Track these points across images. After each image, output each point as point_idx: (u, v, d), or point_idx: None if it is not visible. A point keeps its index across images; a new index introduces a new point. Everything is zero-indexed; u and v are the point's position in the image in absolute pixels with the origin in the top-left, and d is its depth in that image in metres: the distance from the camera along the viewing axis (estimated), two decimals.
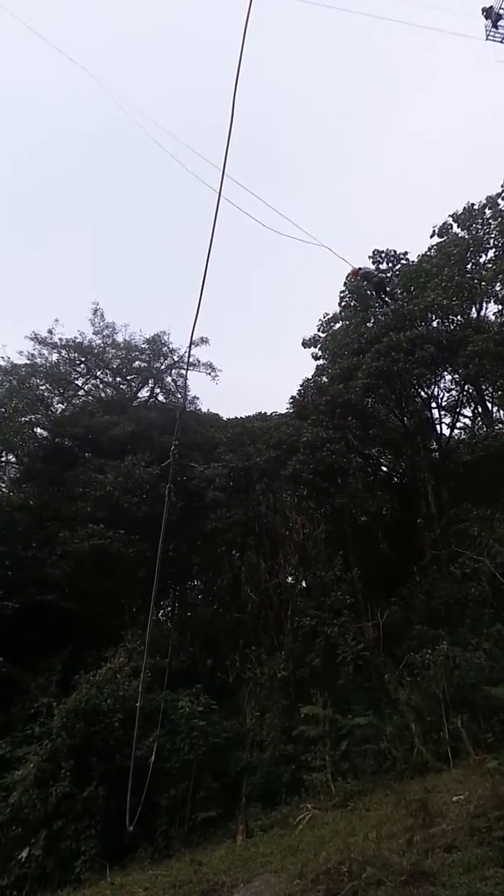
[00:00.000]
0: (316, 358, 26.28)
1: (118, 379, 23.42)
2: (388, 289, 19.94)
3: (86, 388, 23.18)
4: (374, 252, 25.62)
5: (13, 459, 20.98)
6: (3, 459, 20.97)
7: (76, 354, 21.94)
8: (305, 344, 26.34)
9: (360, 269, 17.42)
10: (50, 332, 21.30)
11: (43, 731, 12.44)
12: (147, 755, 11.24)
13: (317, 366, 25.71)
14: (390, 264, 25.67)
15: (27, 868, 10.27)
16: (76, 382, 22.84)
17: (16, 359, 21.11)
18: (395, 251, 25.43)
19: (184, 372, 23.08)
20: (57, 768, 11.46)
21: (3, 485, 20.18)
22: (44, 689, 14.21)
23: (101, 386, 23.45)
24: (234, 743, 13.00)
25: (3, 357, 21.03)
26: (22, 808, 11.01)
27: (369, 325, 23.61)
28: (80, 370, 22.64)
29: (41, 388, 20.87)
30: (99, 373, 23.10)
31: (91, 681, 12.79)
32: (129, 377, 23.29)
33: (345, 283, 21.17)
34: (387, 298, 19.50)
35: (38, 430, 20.76)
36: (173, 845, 10.81)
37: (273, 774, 12.21)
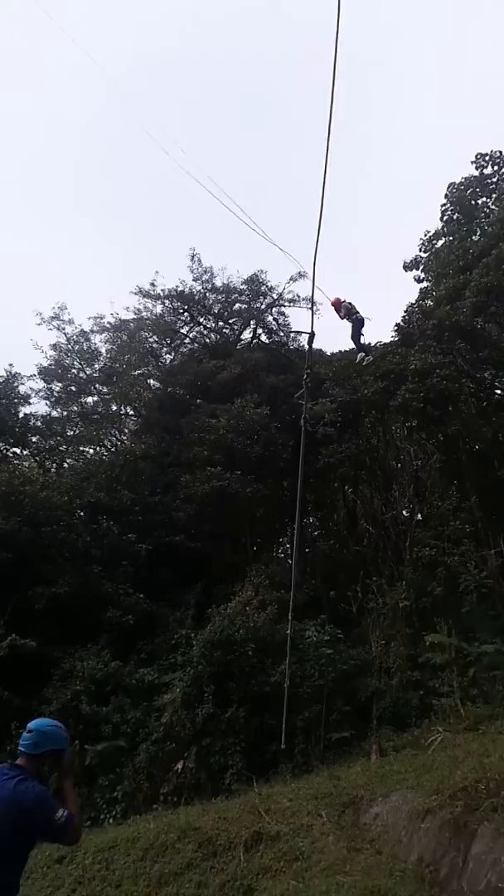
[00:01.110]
0: (419, 281, 25.07)
1: (220, 323, 23.70)
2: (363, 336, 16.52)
3: (191, 336, 23.70)
4: (476, 156, 23.59)
5: (131, 412, 22.20)
6: (122, 413, 22.23)
7: (179, 303, 22.37)
8: (407, 267, 25.15)
9: (342, 300, 15.05)
10: (152, 284, 21.83)
11: (184, 660, 13.67)
12: (281, 681, 12.07)
13: (420, 289, 24.56)
14: (496, 167, 23.58)
15: (183, 778, 11.58)
16: (181, 332, 23.40)
17: (124, 315, 21.95)
18: (501, 152, 23.28)
19: (284, 310, 22.90)
20: (200, 692, 12.59)
21: (125, 437, 21.43)
22: (181, 623, 15.49)
23: (204, 332, 23.87)
24: (361, 670, 13.53)
25: (113, 314, 21.96)
26: (173, 726, 12.30)
27: (475, 238, 22.04)
28: (183, 319, 23.12)
29: (150, 340, 21.66)
30: (202, 319, 23.46)
31: (223, 614, 13.79)
32: (230, 321, 23.49)
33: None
34: (367, 359, 16.46)
35: (151, 382, 21.71)
36: (311, 762, 11.65)
37: (402, 700, 12.66)
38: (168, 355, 23.22)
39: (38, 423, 22.52)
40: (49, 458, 21.74)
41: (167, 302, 22.37)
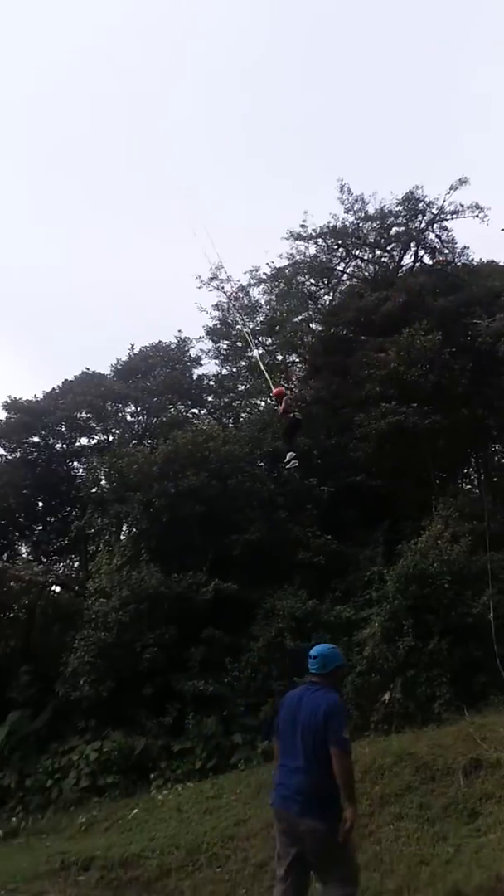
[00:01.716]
0: None
1: (378, 253, 22.57)
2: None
3: (348, 272, 22.92)
4: None
5: (297, 359, 22.29)
6: (288, 361, 22.43)
7: (332, 240, 21.63)
8: None
9: (285, 393, 14.68)
10: (302, 225, 21.30)
11: (379, 595, 13.74)
12: (483, 612, 11.66)
13: None
14: None
15: (391, 708, 11.77)
16: (337, 269, 22.70)
17: (279, 262, 21.81)
18: None
19: (447, 224, 21.08)
20: (399, 626, 12.59)
21: (294, 384, 21.61)
22: (371, 560, 15.54)
23: (362, 265, 22.93)
24: None
25: (269, 264, 21.91)
26: (375, 659, 12.47)
27: None
28: (339, 255, 22.37)
29: (307, 284, 21.37)
30: (357, 252, 22.52)
31: (414, 549, 13.56)
32: (388, 248, 22.25)
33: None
34: (292, 463, 14.56)
35: (313, 326, 21.51)
36: None
37: None
38: (327, 296, 22.74)
39: (211, 383, 23.62)
40: (225, 415, 22.73)
41: (320, 241, 21.73)
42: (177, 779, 12.39)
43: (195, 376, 23.38)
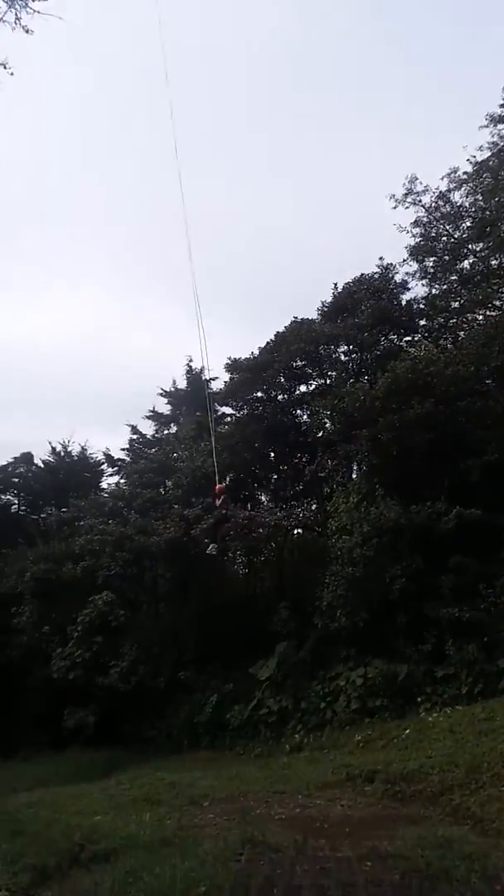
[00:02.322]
0: None
1: None
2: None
3: None
4: None
5: None
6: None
7: None
8: None
9: (225, 493, 14.86)
10: (502, 105, 18.63)
11: None
12: None
13: None
14: None
15: None
16: None
17: (480, 156, 19.47)
18: None
19: None
20: None
21: None
22: None
23: None
24: None
25: (469, 160, 19.61)
26: None
27: None
28: None
29: None
30: None
31: None
32: None
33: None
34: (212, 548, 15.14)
35: None
36: None
37: None
38: None
39: (422, 306, 22.34)
40: (442, 336, 21.41)
41: None
42: (444, 702, 12.62)
43: (404, 302, 22.29)
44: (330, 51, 76.85)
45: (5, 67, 9.58)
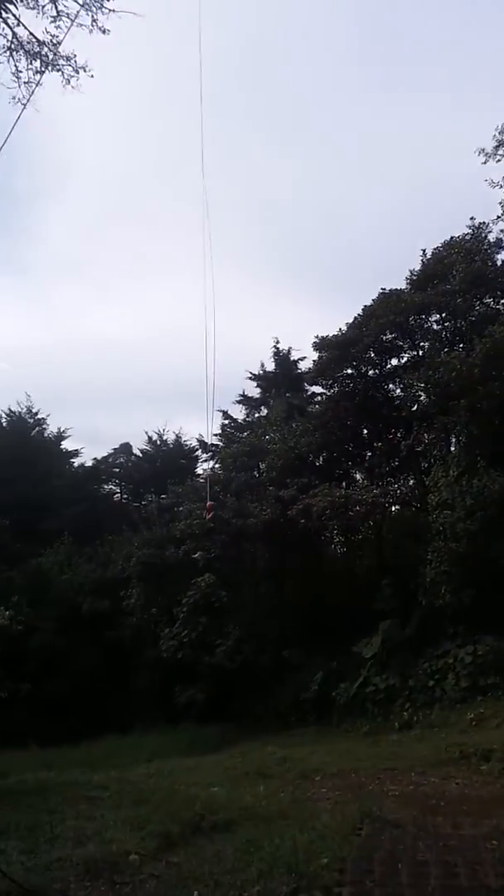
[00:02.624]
0: None
1: None
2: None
3: None
4: None
5: None
6: None
7: None
8: None
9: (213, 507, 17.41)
10: None
11: None
12: None
13: None
14: None
15: None
16: None
17: None
18: None
19: None
20: None
21: None
22: None
23: None
24: None
25: None
26: None
27: None
28: None
29: None
30: None
31: None
32: None
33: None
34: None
35: None
36: None
37: None
38: None
39: None
40: None
41: None
42: None
43: (499, 262, 21.01)
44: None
45: (85, 70, 9.86)
